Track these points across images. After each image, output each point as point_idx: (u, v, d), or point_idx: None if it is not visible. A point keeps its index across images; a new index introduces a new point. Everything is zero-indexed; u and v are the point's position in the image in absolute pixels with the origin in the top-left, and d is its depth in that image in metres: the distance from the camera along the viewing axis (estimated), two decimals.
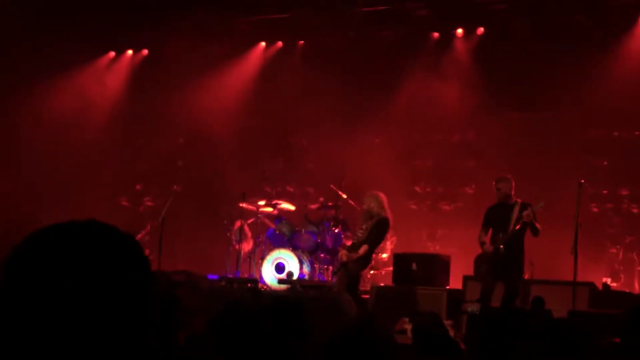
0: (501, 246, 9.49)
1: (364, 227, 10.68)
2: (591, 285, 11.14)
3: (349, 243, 12.85)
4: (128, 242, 1.58)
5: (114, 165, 16.39)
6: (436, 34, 15.16)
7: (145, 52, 17.12)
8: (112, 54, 17.30)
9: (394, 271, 12.23)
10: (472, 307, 9.92)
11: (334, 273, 11.58)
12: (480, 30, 14.89)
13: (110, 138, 16.42)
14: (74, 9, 15.25)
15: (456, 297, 11.10)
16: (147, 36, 15.90)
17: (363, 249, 10.50)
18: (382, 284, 12.87)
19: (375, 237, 10.63)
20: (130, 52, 17.27)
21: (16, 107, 15.73)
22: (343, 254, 10.82)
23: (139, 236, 15.96)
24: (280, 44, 16.49)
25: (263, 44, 16.56)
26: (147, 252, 1.63)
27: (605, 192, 14.04)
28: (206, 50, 15.65)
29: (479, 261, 10.05)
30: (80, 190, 16.08)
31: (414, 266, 11.83)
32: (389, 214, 10.68)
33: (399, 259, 12.25)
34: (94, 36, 16.11)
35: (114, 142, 16.45)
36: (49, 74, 16.21)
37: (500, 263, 9.50)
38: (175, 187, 15.62)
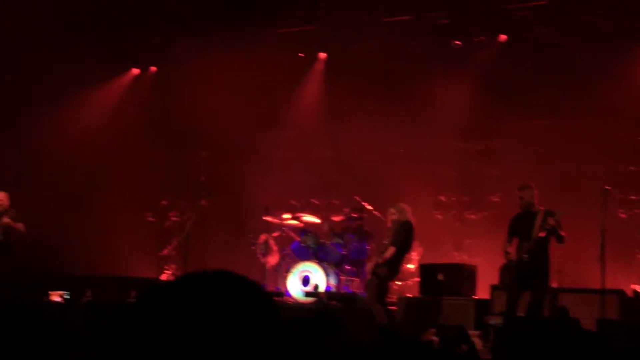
0: (525, 255, 9.38)
1: (390, 234, 10.75)
2: (620, 293, 10.99)
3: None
4: (254, 291, 1.62)
5: (139, 181, 16.44)
6: (458, 42, 15.06)
7: (168, 67, 17.18)
8: (135, 70, 17.42)
9: (421, 282, 12.16)
10: (496, 320, 9.81)
11: (366, 287, 11.47)
12: (503, 37, 14.79)
13: (135, 154, 16.48)
14: (97, 26, 15.35)
15: (484, 307, 10.99)
16: (171, 52, 15.94)
17: (389, 251, 10.52)
18: (409, 295, 12.79)
19: (400, 239, 10.67)
20: (154, 68, 17.37)
21: (39, 123, 15.81)
22: (370, 267, 10.87)
23: (165, 251, 16.02)
24: (302, 55, 16.48)
25: (287, 56, 16.55)
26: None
27: (633, 197, 13.86)
28: (229, 64, 15.69)
29: (505, 271, 9.95)
30: (107, 206, 16.16)
31: (440, 276, 11.76)
32: (413, 220, 10.75)
33: (425, 270, 12.18)
34: (116, 52, 16.21)
35: (139, 158, 16.50)
36: (72, 89, 16.32)
37: (526, 272, 9.39)
38: (200, 202, 15.65)
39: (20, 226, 12.21)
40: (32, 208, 13.07)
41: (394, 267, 10.80)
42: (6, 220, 12.08)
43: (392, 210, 10.88)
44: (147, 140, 16.69)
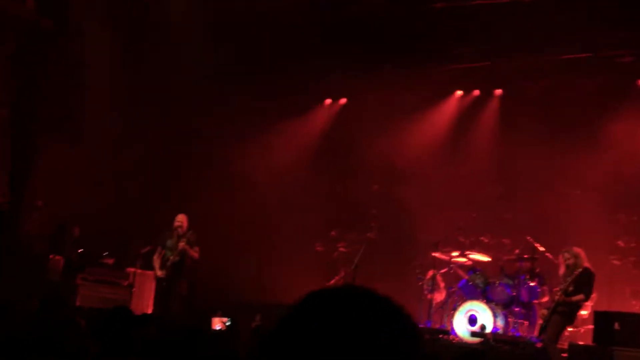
0: None
1: (568, 279, 10.38)
2: None
3: (545, 298, 12.39)
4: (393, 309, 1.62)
5: (311, 210, 16.74)
6: None
7: (343, 100, 17.54)
8: (313, 103, 17.88)
9: (595, 330, 11.58)
10: None
11: (541, 331, 11.09)
12: None
13: (309, 184, 16.82)
14: (280, 63, 15.91)
15: None
16: (346, 85, 16.24)
17: (579, 297, 10.38)
18: (581, 343, 12.23)
19: (588, 289, 10.48)
20: (328, 100, 17.76)
21: (223, 155, 16.55)
22: (543, 314, 10.57)
23: (332, 282, 16.18)
24: (477, 92, 16.35)
25: (460, 92, 16.49)
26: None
27: None
28: (402, 99, 15.78)
29: None
30: (278, 234, 16.56)
31: (616, 326, 11.15)
32: (589, 266, 10.45)
33: (600, 317, 11.59)
34: (297, 86, 16.71)
35: (313, 188, 16.82)
36: (256, 123, 16.96)
37: None
38: (368, 234, 15.74)
39: (194, 252, 12.75)
40: (208, 232, 13.59)
41: (574, 312, 10.57)
42: (182, 244, 12.63)
43: (567, 255, 10.56)
44: (322, 170, 17.01)
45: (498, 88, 16.08)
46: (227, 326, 12.27)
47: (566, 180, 14.62)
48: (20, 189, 14.07)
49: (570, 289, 10.37)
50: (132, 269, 13.83)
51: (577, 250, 10.60)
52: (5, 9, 13.53)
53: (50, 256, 13.58)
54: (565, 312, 10.43)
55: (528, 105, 15.18)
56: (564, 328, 10.73)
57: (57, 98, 14.72)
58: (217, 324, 12.39)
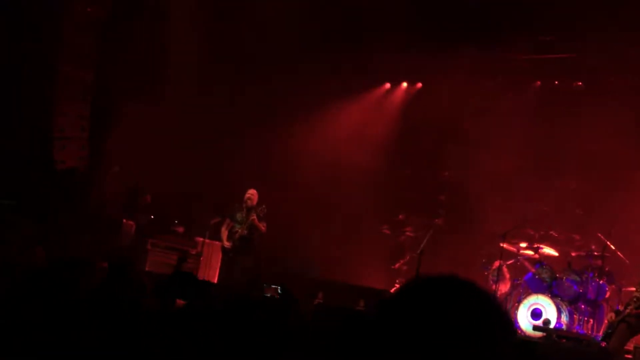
0: None
1: None
2: None
3: (612, 298, 12.15)
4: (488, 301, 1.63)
5: (380, 193, 16.73)
6: None
7: (419, 85, 17.42)
8: (388, 85, 17.82)
9: None
10: None
11: (604, 337, 10.82)
12: None
13: (379, 166, 16.80)
14: (353, 41, 15.87)
15: None
16: (422, 68, 16.10)
17: None
18: None
19: None
20: (405, 84, 17.68)
21: (293, 131, 16.65)
22: (611, 318, 10.32)
23: (397, 265, 16.18)
24: (556, 82, 16.03)
25: (538, 82, 16.21)
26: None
27: None
28: (478, 86, 15.58)
29: None
30: (346, 214, 16.60)
31: None
32: None
33: None
34: (371, 67, 16.68)
35: (382, 171, 16.81)
36: (326, 101, 17.00)
37: None
38: (436, 220, 15.67)
39: (262, 226, 12.89)
40: (277, 209, 13.71)
41: None
42: (252, 217, 12.79)
43: None
44: (393, 153, 16.98)
45: (580, 81, 15.72)
46: (280, 295, 12.34)
47: None
48: (98, 152, 14.40)
49: None
50: (201, 239, 14.07)
51: None
52: None
53: (124, 220, 13.90)
54: (633, 324, 10.11)
55: (612, 100, 14.76)
56: (629, 339, 10.40)
57: (139, 64, 14.97)
58: (269, 292, 12.48)
